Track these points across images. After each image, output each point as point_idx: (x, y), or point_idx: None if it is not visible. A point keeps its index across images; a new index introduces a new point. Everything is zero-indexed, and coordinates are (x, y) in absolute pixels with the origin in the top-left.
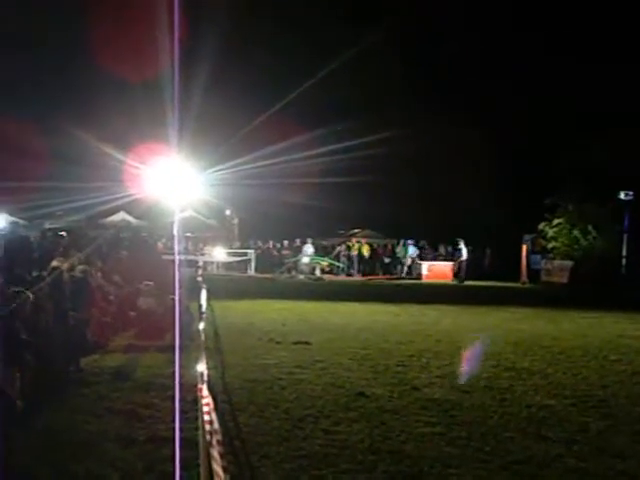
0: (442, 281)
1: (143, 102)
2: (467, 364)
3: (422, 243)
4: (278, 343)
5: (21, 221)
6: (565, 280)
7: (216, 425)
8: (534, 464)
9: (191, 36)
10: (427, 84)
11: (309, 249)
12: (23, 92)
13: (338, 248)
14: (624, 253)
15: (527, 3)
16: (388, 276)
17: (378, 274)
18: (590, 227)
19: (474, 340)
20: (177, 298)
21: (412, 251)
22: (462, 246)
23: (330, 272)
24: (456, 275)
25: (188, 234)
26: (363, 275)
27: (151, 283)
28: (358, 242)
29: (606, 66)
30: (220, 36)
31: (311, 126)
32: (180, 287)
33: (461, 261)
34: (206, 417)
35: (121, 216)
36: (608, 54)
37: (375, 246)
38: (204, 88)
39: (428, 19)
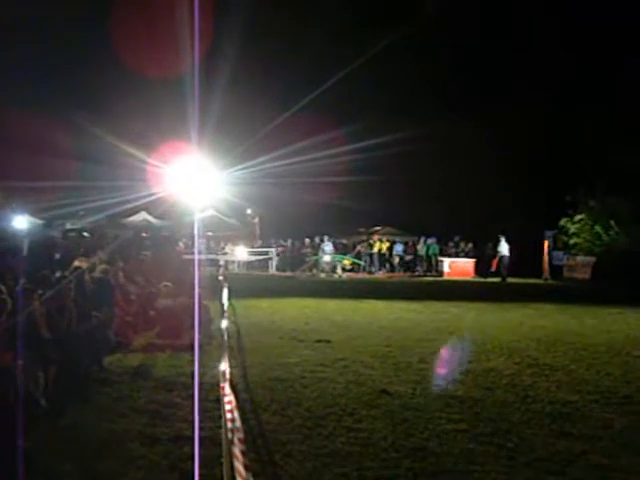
0: (464, 278)
1: (165, 101)
2: (443, 369)
3: (456, 239)
4: (300, 341)
5: (42, 221)
6: (588, 276)
7: (238, 423)
8: (558, 461)
9: (212, 35)
10: (447, 82)
11: (328, 247)
12: (42, 91)
13: (358, 246)
14: None
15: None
16: (409, 273)
17: (399, 272)
18: (612, 222)
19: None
20: (196, 297)
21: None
22: (503, 242)
23: (351, 270)
24: (503, 273)
25: (209, 233)
26: (384, 273)
27: (170, 284)
28: (379, 240)
29: (626, 58)
30: (241, 34)
31: (331, 125)
32: (200, 286)
33: (502, 257)
34: (228, 415)
35: (142, 216)
36: (625, 46)
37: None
38: (225, 87)
39: (447, 18)
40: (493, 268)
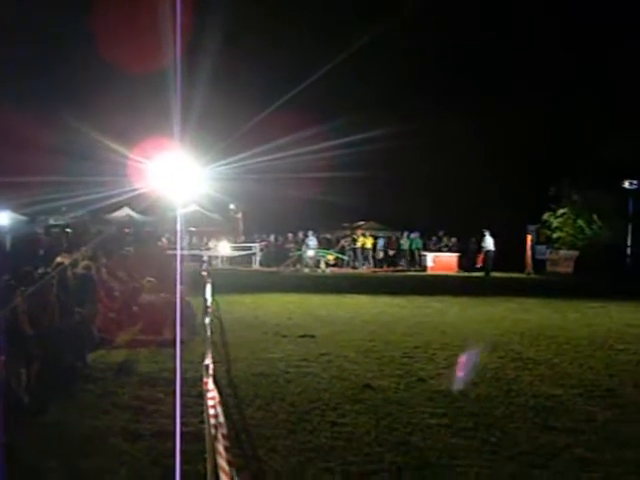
0: (447, 273)
1: (147, 97)
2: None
3: (440, 233)
4: (284, 336)
5: (24, 217)
6: (570, 270)
7: (221, 419)
8: (541, 454)
9: (194, 30)
10: (430, 76)
11: (312, 241)
12: (25, 86)
13: (342, 241)
14: (629, 242)
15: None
16: (393, 268)
17: (383, 266)
18: (595, 217)
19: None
20: (179, 293)
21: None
22: (488, 237)
23: (335, 265)
24: (486, 267)
25: (192, 229)
26: (368, 267)
27: (153, 280)
28: (363, 235)
29: (610, 54)
30: (224, 29)
31: (315, 120)
32: (182, 282)
33: (487, 251)
34: (211, 411)
35: (125, 212)
36: (611, 43)
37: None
38: (208, 82)
39: (434, 12)
40: (479, 263)
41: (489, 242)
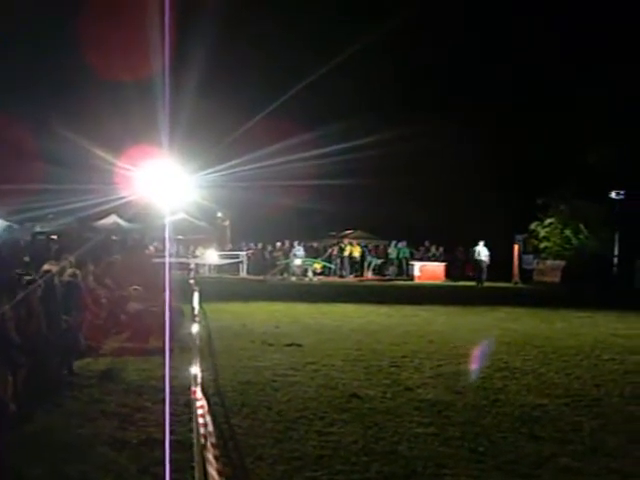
0: (434, 282)
1: (135, 104)
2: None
3: (427, 243)
4: (271, 345)
5: (12, 224)
6: (557, 280)
7: (211, 428)
8: (527, 464)
9: (182, 37)
10: (420, 85)
11: (299, 251)
12: (14, 93)
13: (329, 250)
14: (616, 252)
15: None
16: (380, 277)
17: (369, 275)
18: (582, 226)
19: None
20: (167, 301)
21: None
22: (481, 247)
23: (322, 273)
24: (476, 277)
25: (180, 237)
26: (355, 276)
27: (139, 288)
28: (350, 243)
29: (600, 66)
30: (212, 37)
31: (303, 128)
32: (170, 290)
33: (478, 261)
34: (200, 419)
35: (112, 219)
36: (603, 53)
37: (370, 247)
38: (196, 90)
39: (423, 18)
40: (470, 272)
41: (480, 252)
